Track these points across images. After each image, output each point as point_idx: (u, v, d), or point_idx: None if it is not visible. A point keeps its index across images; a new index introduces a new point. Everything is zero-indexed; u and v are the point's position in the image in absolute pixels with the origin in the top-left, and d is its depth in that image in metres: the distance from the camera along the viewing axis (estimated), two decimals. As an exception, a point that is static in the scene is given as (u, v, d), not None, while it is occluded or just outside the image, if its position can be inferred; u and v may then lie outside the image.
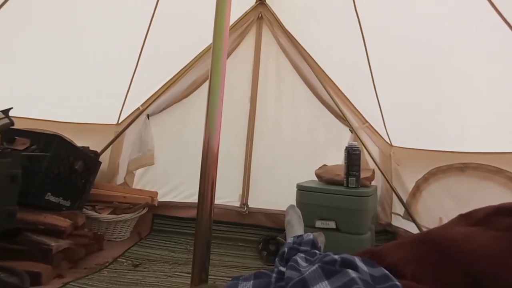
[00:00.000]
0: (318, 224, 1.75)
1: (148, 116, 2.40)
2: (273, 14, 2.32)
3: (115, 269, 1.68)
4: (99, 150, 2.18)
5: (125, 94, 2.35)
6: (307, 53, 2.32)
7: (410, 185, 2.11)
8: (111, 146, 2.32)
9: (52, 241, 1.51)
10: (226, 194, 2.34)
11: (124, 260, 1.80)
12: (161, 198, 2.36)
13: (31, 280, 1.32)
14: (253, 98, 2.44)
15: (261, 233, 2.27)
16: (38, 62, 1.83)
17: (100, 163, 2.08)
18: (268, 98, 2.44)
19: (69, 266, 1.61)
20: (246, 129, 2.43)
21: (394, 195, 2.20)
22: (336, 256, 0.66)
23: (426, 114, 1.93)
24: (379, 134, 2.33)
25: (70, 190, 1.78)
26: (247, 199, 2.40)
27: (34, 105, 1.89)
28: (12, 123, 1.25)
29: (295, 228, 1.30)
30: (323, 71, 2.33)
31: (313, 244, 1.04)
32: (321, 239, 1.30)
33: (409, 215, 2.05)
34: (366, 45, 2.03)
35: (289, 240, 1.08)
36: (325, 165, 2.11)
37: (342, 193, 1.77)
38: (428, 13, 1.62)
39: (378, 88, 2.13)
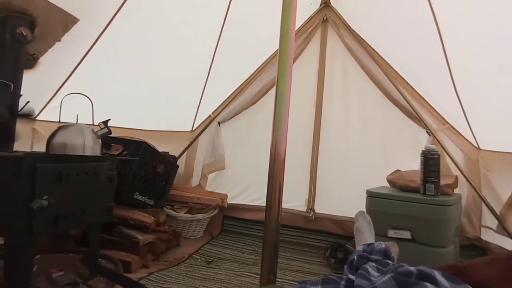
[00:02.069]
0: (391, 233, 1.64)
1: (219, 123, 2.56)
2: (338, 16, 2.27)
3: (191, 264, 1.83)
4: (176, 155, 2.41)
5: (198, 104, 2.56)
6: (376, 52, 2.20)
7: (505, 195, 1.83)
8: (186, 151, 2.55)
9: (139, 235, 1.72)
10: (293, 199, 2.35)
11: (198, 257, 1.95)
12: (231, 200, 2.48)
13: (123, 267, 1.53)
14: (318, 102, 2.41)
15: (328, 239, 2.22)
16: (128, 79, 2.12)
17: (178, 166, 2.30)
18: (335, 101, 2.39)
19: (152, 258, 1.81)
20: (312, 133, 2.41)
21: (483, 206, 1.94)
22: (412, 268, 0.62)
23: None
24: (463, 137, 2.08)
25: (153, 190, 2.00)
26: (314, 204, 2.37)
27: (126, 116, 2.18)
28: (110, 132, 1.48)
29: (365, 235, 1.24)
30: (394, 70, 2.19)
31: (385, 253, 0.98)
32: (394, 249, 1.22)
33: (504, 229, 1.78)
34: (443, 38, 1.84)
35: (359, 248, 1.04)
36: (398, 170, 1.97)
37: (419, 201, 1.63)
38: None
39: (458, 85, 1.91)
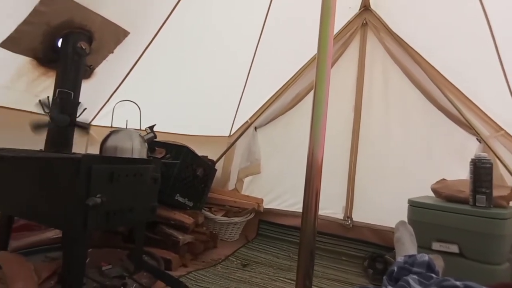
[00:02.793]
0: (436, 246, 1.55)
1: (255, 128, 2.61)
2: (378, 19, 2.22)
3: (227, 266, 1.87)
4: (215, 159, 2.49)
5: (235, 110, 2.63)
6: (420, 55, 2.11)
7: None
8: (224, 156, 2.62)
9: (179, 234, 1.81)
10: (329, 206, 2.31)
11: (234, 259, 1.99)
12: (266, 205, 2.50)
13: (164, 265, 1.61)
14: (357, 107, 2.36)
15: (366, 249, 2.15)
16: (172, 87, 2.25)
17: (216, 170, 2.37)
18: (374, 106, 2.32)
19: (191, 258, 1.88)
20: (350, 139, 2.36)
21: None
22: (458, 283, 0.60)
23: None
24: (521, 144, 1.92)
25: (193, 193, 2.09)
26: (351, 212, 2.31)
27: (168, 121, 2.31)
28: (155, 137, 1.58)
29: (406, 246, 1.19)
30: (440, 73, 2.07)
31: (429, 266, 0.94)
32: (438, 262, 1.15)
33: None
34: (495, 37, 1.71)
35: (399, 259, 1.01)
36: (444, 179, 1.86)
37: (468, 213, 1.52)
38: None
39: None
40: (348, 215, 2.30)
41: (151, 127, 1.57)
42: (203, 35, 2.09)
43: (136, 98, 1.70)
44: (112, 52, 1.80)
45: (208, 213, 2.29)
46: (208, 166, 2.24)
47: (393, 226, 1.36)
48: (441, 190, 1.76)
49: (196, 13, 1.97)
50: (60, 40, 1.52)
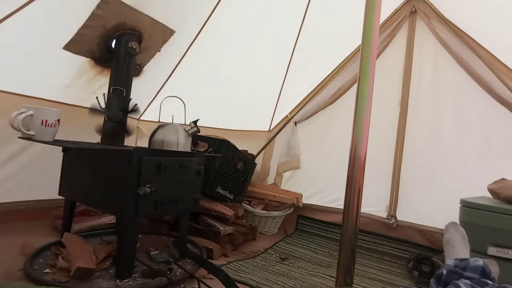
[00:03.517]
0: (492, 251, 1.43)
1: (295, 123, 2.59)
2: (429, 5, 2.07)
3: (266, 259, 1.90)
4: (254, 153, 2.52)
5: (275, 104, 2.64)
6: (478, 43, 1.93)
7: None
8: (264, 150, 2.65)
9: (220, 225, 1.87)
10: (371, 203, 2.23)
11: (273, 252, 2.01)
12: (305, 200, 2.49)
13: (206, 254, 1.68)
14: (403, 101, 2.23)
15: (411, 250, 2.05)
16: (214, 83, 2.31)
17: (256, 164, 2.41)
18: (423, 99, 2.18)
19: (231, 248, 1.93)
20: (395, 134, 2.25)
21: None
22: (516, 290, 0.55)
23: None
24: None
25: (233, 186, 2.14)
26: (395, 211, 2.21)
27: (210, 116, 2.38)
28: (199, 131, 1.65)
29: (457, 249, 1.12)
30: (502, 63, 1.88)
31: (484, 272, 0.88)
32: (494, 268, 1.07)
33: None
34: None
35: (449, 262, 0.95)
36: (504, 179, 1.70)
37: (531, 217, 1.38)
38: None
39: None
40: (391, 213, 2.21)
41: (195, 122, 1.64)
42: (243, 29, 2.12)
43: (181, 94, 1.77)
44: (159, 51, 1.90)
45: (248, 206, 2.33)
46: (248, 160, 2.28)
47: (442, 227, 1.28)
48: (500, 191, 1.62)
49: (236, 8, 2.00)
50: (114, 41, 1.64)
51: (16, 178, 1.77)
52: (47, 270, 1.27)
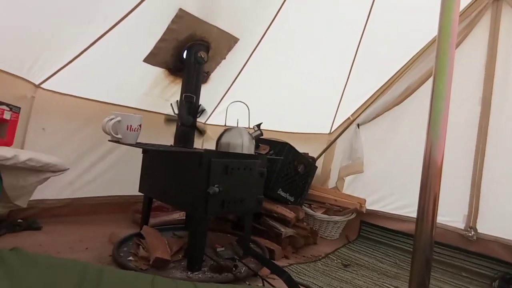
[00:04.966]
0: None
1: (358, 125, 2.50)
2: (520, -9, 1.83)
3: (327, 264, 1.87)
4: (315, 156, 2.50)
5: (336, 106, 2.58)
6: None
7: None
8: (324, 153, 2.61)
9: (282, 227, 1.89)
10: (446, 212, 2.03)
11: (334, 258, 1.97)
12: (369, 206, 2.37)
13: (268, 254, 1.72)
14: (485, 99, 2.00)
15: (495, 267, 1.82)
16: (275, 87, 2.36)
17: (316, 167, 2.38)
18: (510, 98, 1.93)
19: (292, 251, 1.94)
20: (475, 136, 2.02)
21: None
22: None
23: None
24: None
25: (294, 188, 2.15)
26: (476, 222, 1.98)
27: (272, 119, 2.43)
28: (262, 134, 1.70)
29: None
30: None
31: None
32: None
33: None
34: None
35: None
36: None
37: None
38: None
39: None
40: (471, 225, 1.99)
41: (258, 125, 1.69)
42: (306, 30, 2.13)
43: (244, 99, 1.85)
44: (225, 58, 2.02)
45: (308, 210, 2.32)
46: (309, 163, 2.27)
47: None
48: None
49: (298, 16, 2.02)
50: (185, 52, 1.79)
51: (104, 176, 2.04)
52: (130, 258, 1.43)
